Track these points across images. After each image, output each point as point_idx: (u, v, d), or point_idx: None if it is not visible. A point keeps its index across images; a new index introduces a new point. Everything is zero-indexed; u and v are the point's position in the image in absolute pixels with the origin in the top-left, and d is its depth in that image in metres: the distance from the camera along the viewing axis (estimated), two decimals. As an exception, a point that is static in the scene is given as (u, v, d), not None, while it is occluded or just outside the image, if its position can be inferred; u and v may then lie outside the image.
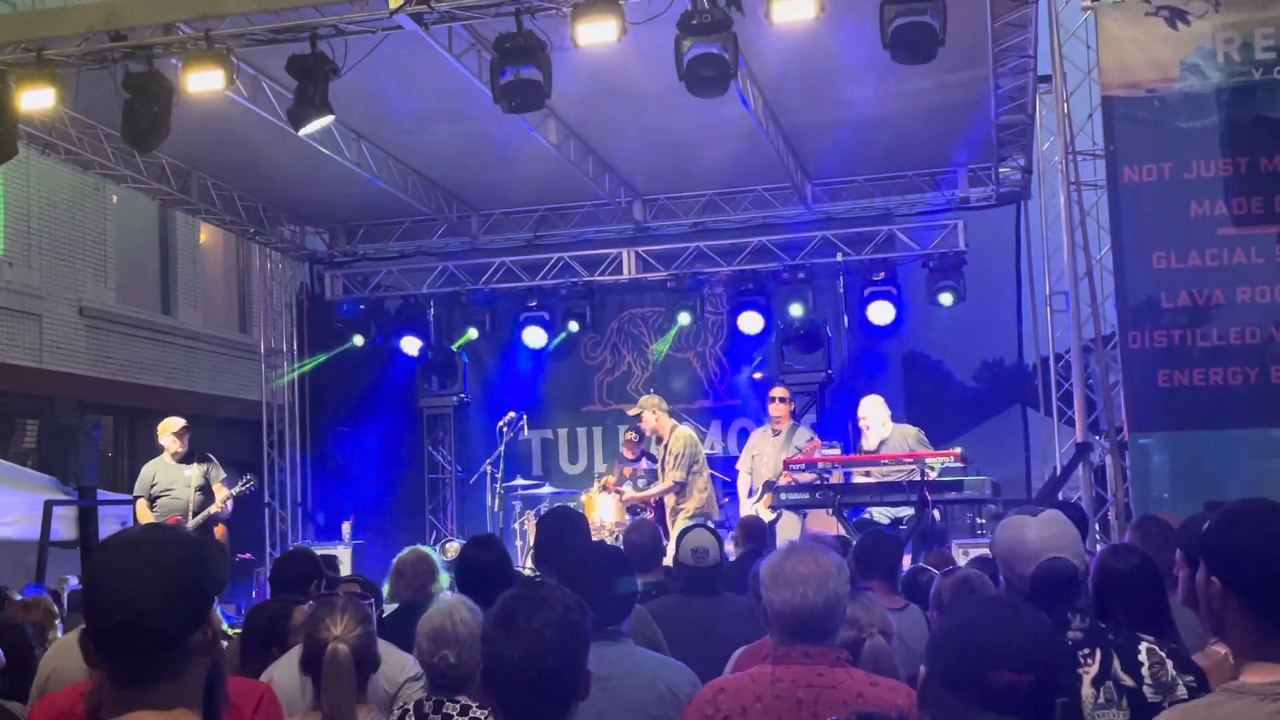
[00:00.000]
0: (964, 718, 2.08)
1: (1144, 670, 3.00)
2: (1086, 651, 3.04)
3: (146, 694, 2.01)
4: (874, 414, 10.33)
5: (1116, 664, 3.01)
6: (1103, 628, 3.11)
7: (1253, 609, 2.36)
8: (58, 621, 6.05)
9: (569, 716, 2.57)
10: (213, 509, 10.21)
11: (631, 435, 12.60)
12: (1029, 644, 2.18)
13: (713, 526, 6.62)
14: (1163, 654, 3.04)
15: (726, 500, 12.28)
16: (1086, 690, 2.99)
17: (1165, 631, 3.50)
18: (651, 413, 11.35)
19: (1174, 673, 2.99)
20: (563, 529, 4.76)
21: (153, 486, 10.30)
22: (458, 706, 3.83)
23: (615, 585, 3.93)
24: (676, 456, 10.85)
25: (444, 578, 5.74)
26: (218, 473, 10.50)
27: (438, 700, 3.81)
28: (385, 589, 5.76)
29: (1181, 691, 2.97)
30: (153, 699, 2.01)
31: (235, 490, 10.40)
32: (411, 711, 3.77)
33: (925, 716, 2.23)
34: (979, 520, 10.94)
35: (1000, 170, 13.39)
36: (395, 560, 5.79)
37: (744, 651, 4.12)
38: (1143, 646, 3.06)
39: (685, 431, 11.21)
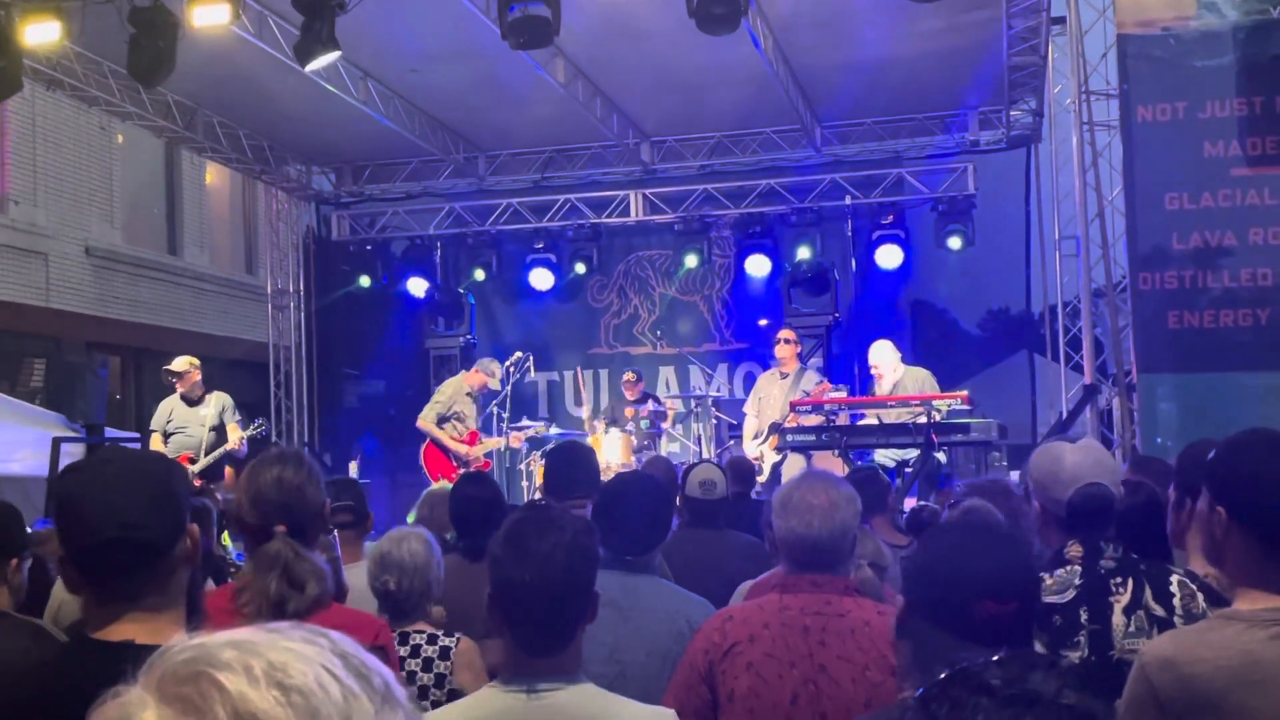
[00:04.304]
0: (944, 649, 1.98)
1: (1175, 601, 2.98)
2: (1119, 580, 3.01)
3: (133, 606, 2.03)
4: (885, 359, 10.27)
5: (1148, 594, 2.99)
6: (1134, 558, 3.08)
7: (1255, 537, 2.37)
8: None
9: (576, 638, 2.58)
10: (226, 447, 10.16)
11: (631, 377, 12.61)
12: (1010, 572, 2.13)
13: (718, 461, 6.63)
14: (1194, 586, 3.02)
15: (732, 442, 12.28)
16: (1117, 619, 2.98)
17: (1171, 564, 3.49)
18: None
19: (1204, 605, 2.97)
20: (572, 460, 4.75)
21: (169, 422, 10.26)
22: (424, 636, 3.86)
23: (651, 515, 3.90)
24: None
25: None
26: (232, 414, 10.42)
27: (403, 632, 3.83)
28: (410, 517, 6.02)
29: None
30: (139, 608, 2.03)
31: (248, 432, 10.34)
32: None
33: (904, 646, 2.20)
34: (992, 464, 10.87)
35: (1011, 113, 13.27)
36: (425, 492, 6.18)
37: (754, 585, 4.11)
38: (1174, 578, 3.04)
39: None
